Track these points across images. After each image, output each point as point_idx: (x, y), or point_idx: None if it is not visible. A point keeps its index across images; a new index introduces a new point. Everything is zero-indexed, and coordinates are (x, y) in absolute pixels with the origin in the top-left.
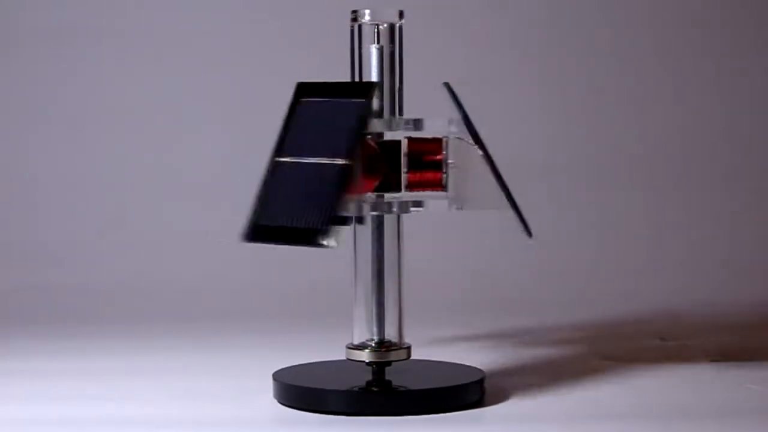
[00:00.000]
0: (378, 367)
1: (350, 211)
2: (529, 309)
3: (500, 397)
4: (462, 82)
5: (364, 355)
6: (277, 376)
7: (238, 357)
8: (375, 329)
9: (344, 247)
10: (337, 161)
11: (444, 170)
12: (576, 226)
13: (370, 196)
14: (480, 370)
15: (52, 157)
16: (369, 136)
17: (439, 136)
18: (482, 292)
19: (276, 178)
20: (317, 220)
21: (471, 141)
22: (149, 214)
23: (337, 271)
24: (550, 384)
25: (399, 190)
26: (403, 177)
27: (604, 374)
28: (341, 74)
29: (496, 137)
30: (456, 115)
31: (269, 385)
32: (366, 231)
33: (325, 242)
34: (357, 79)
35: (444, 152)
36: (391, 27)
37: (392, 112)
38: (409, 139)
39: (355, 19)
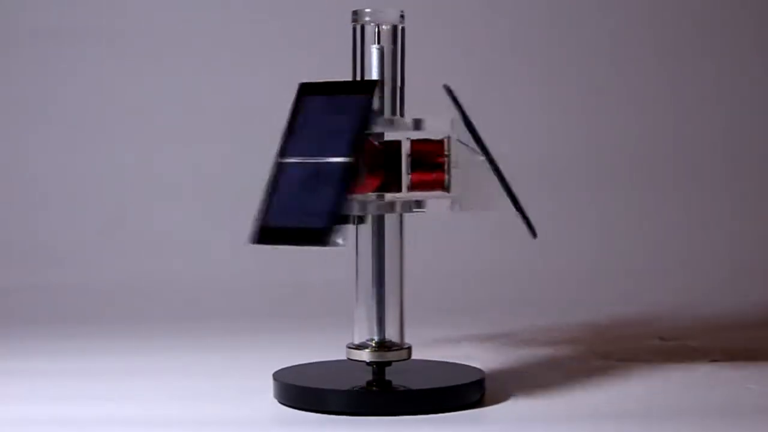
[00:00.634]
0: (378, 367)
1: (354, 209)
2: (529, 309)
3: (500, 397)
4: (462, 82)
5: (365, 355)
6: (277, 376)
7: (238, 357)
8: (375, 329)
9: (347, 245)
10: (340, 159)
11: (446, 171)
12: (576, 226)
13: (371, 195)
14: (480, 370)
15: (52, 157)
16: (371, 135)
17: (441, 137)
18: (482, 292)
19: (281, 179)
20: (322, 219)
21: (472, 143)
22: (149, 214)
23: (337, 271)
24: (550, 384)
25: (400, 190)
26: (405, 178)
27: (604, 374)
28: (342, 75)
29: (496, 137)
30: (457, 116)
31: (269, 385)
32: (367, 231)
33: (330, 241)
34: (353, 80)
35: (446, 153)
36: (393, 27)
37: (393, 112)
38: (412, 139)
39: (356, 20)
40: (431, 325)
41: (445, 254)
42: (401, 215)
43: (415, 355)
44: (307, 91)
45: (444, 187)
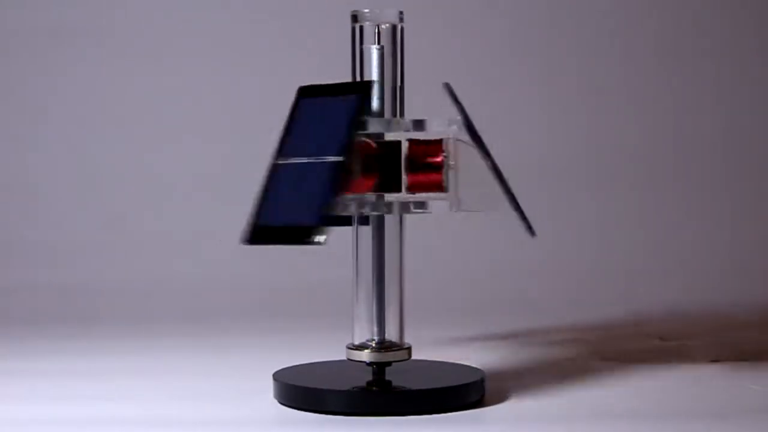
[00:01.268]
0: (378, 368)
1: (344, 209)
2: (529, 309)
3: (500, 397)
4: (462, 82)
5: (365, 356)
6: (277, 376)
7: (238, 357)
8: (375, 329)
9: (336, 246)
10: (329, 159)
11: (444, 172)
12: (576, 226)
13: (370, 196)
14: (480, 370)
15: (52, 157)
16: (367, 136)
17: (439, 137)
18: (482, 292)
19: (274, 179)
20: (308, 218)
21: (471, 142)
22: (149, 213)
23: (337, 271)
24: (550, 384)
25: (399, 190)
26: (404, 178)
27: (604, 374)
28: (342, 75)
29: (496, 137)
30: (457, 116)
31: (269, 385)
32: (367, 231)
33: (316, 240)
34: (358, 80)
35: (444, 154)
36: (392, 27)
37: (393, 113)
38: (410, 140)
39: (355, 20)
40: (431, 325)
41: (445, 254)
42: (401, 216)
43: (415, 355)
44: (305, 93)
45: (441, 188)
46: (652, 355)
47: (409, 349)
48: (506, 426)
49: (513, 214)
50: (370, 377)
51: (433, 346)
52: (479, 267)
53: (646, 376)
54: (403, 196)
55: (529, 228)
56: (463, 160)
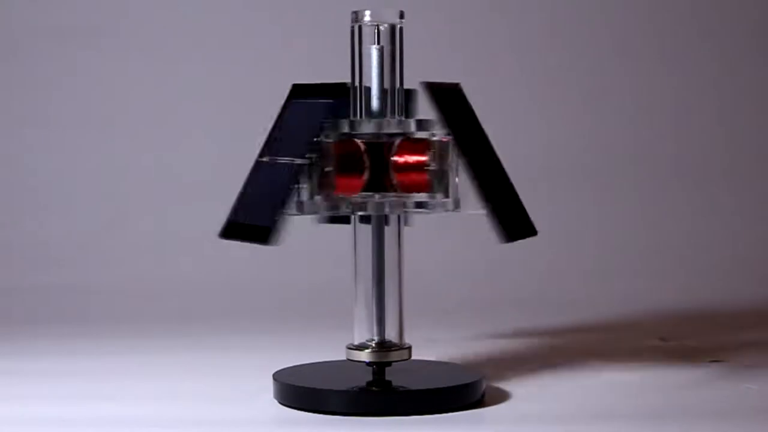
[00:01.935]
0: (378, 368)
1: (343, 209)
2: (529, 309)
3: (500, 397)
4: (462, 82)
5: (365, 356)
6: (277, 376)
7: (238, 357)
8: (375, 329)
9: (329, 244)
10: (296, 160)
11: (430, 172)
12: (576, 226)
13: (356, 196)
14: (480, 370)
15: (52, 157)
16: (350, 136)
17: (426, 137)
18: (482, 292)
19: (253, 176)
20: (268, 218)
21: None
22: (149, 214)
23: (337, 271)
24: (550, 384)
25: (388, 190)
26: (390, 178)
27: (604, 374)
28: (342, 75)
29: (496, 137)
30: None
31: (269, 385)
32: (367, 231)
33: (271, 240)
34: (357, 80)
35: (430, 154)
36: (392, 27)
37: (384, 113)
38: (398, 140)
39: (355, 20)
40: (431, 325)
41: (444, 254)
42: (399, 216)
43: (415, 355)
44: (295, 92)
45: (428, 188)
46: (652, 355)
47: (409, 349)
48: (506, 426)
49: (485, 216)
50: (370, 377)
51: (433, 347)
52: (479, 267)
53: (646, 376)
54: (390, 195)
55: (504, 232)
56: (451, 160)
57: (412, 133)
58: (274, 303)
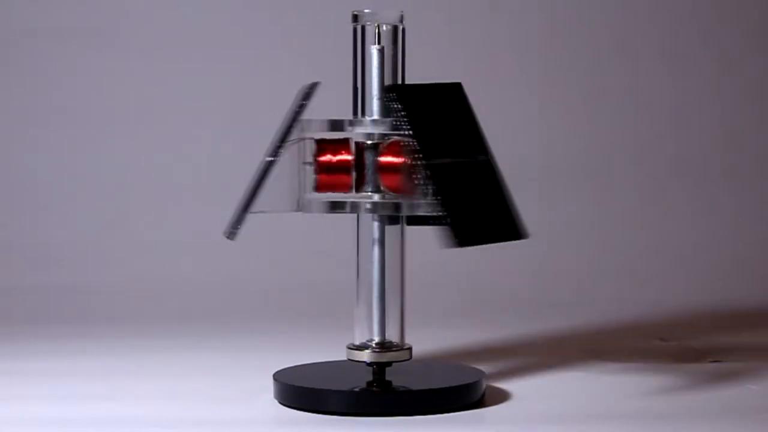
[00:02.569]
0: (378, 368)
1: (275, 207)
2: (529, 309)
3: (500, 397)
4: (462, 82)
5: (365, 356)
6: (277, 376)
7: (238, 357)
8: (376, 329)
9: (329, 244)
10: (267, 158)
11: (350, 173)
12: (575, 227)
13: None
14: (480, 370)
15: (52, 157)
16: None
17: (346, 137)
18: (482, 292)
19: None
20: (235, 214)
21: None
22: (149, 214)
23: (338, 272)
24: (550, 384)
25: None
26: (311, 178)
27: (604, 374)
28: (342, 75)
29: (495, 137)
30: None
31: (269, 385)
32: (368, 231)
33: (229, 235)
34: (359, 81)
35: (351, 154)
36: (393, 28)
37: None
38: (317, 140)
39: (356, 20)
40: (432, 326)
41: (445, 254)
42: (402, 216)
43: (416, 355)
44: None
45: (348, 188)
46: (652, 355)
47: (409, 349)
48: (506, 426)
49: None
50: (370, 377)
51: (434, 347)
52: (479, 267)
53: (646, 376)
54: (315, 195)
55: (454, 235)
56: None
57: (337, 134)
58: (274, 303)
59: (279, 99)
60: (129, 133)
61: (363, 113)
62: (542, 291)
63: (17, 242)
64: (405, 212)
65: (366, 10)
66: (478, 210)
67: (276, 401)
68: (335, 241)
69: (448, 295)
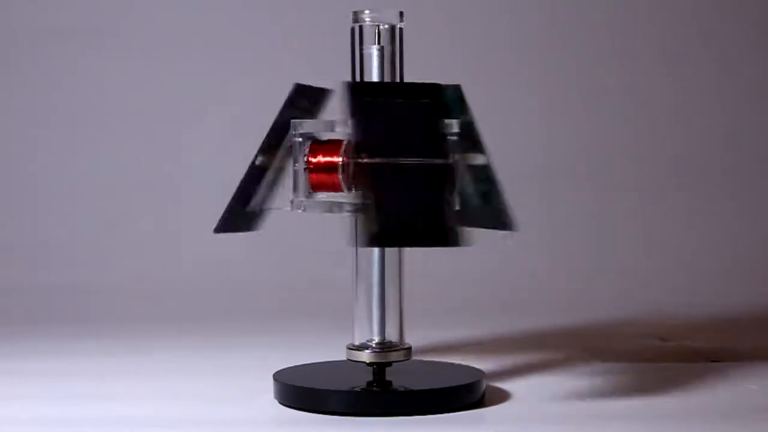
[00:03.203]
0: (378, 368)
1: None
2: (529, 309)
3: (500, 397)
4: (462, 82)
5: (365, 356)
6: (278, 376)
7: (238, 357)
8: (376, 329)
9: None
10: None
11: (341, 173)
12: (575, 227)
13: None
14: (480, 370)
15: (52, 157)
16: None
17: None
18: (482, 292)
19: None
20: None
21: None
22: (149, 214)
23: (337, 272)
24: (550, 384)
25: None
26: (304, 178)
27: (604, 374)
28: (343, 75)
29: (495, 137)
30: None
31: (269, 385)
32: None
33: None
34: (358, 80)
35: (342, 154)
36: (392, 28)
37: None
38: (312, 141)
39: (355, 20)
40: (431, 326)
41: (445, 254)
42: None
43: (416, 355)
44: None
45: (340, 188)
46: (652, 355)
47: (409, 349)
48: (506, 426)
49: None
50: (370, 377)
51: (434, 347)
52: (479, 267)
53: (646, 376)
54: (309, 196)
55: (366, 230)
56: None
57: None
58: (274, 303)
59: (279, 99)
60: (129, 133)
61: None
62: (542, 291)
63: (17, 242)
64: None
65: (365, 10)
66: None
67: (276, 401)
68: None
69: (448, 295)
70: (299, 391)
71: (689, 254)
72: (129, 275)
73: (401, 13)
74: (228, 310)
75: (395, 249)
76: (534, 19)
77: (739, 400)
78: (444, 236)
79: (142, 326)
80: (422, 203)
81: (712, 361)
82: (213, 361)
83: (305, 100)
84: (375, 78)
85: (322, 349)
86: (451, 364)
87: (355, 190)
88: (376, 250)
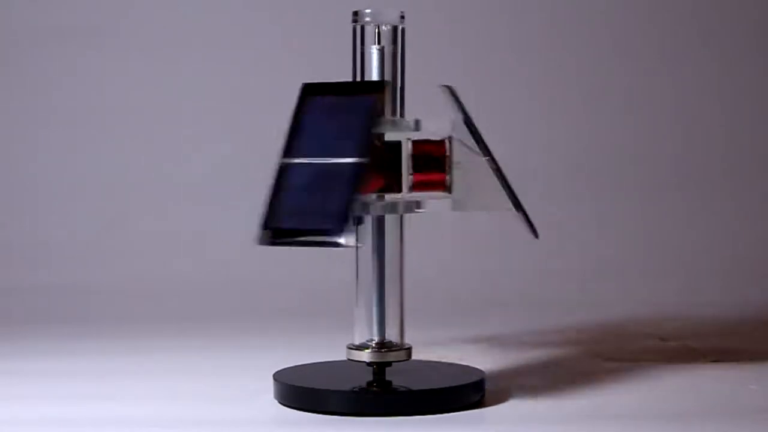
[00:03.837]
0: (378, 368)
1: (360, 210)
2: (530, 309)
3: (500, 397)
4: (462, 82)
5: (365, 356)
6: (278, 376)
7: (238, 357)
8: (376, 329)
9: (363, 244)
10: (350, 160)
11: (447, 172)
12: (576, 227)
13: (373, 196)
14: (480, 370)
15: (52, 157)
16: (377, 136)
17: (441, 137)
18: (483, 292)
19: (287, 179)
20: (335, 220)
21: (473, 143)
22: (149, 213)
23: (337, 272)
24: (550, 384)
25: (400, 190)
26: (408, 178)
27: (604, 375)
28: (342, 75)
29: (495, 138)
30: (458, 116)
31: (269, 385)
32: (368, 231)
33: (343, 241)
34: (359, 80)
35: (446, 154)
36: (393, 28)
37: (394, 113)
38: (413, 140)
39: (356, 20)
40: (431, 326)
41: (445, 254)
42: (401, 216)
43: (416, 355)
44: (310, 91)
45: (445, 187)
46: (652, 355)
47: (409, 349)
48: (506, 426)
49: (514, 215)
50: (370, 377)
51: (434, 347)
52: (479, 267)
53: (646, 376)
54: (405, 195)
55: (533, 229)
56: (465, 159)
57: (425, 133)
58: (274, 303)
59: (279, 99)
60: (129, 133)
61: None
62: (542, 291)
63: (17, 242)
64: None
65: (366, 10)
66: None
67: (276, 401)
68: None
69: (449, 295)
70: (299, 391)
71: (689, 254)
72: (129, 275)
73: (402, 14)
74: (228, 310)
75: (395, 248)
76: (534, 19)
77: (739, 400)
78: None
79: (142, 326)
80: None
81: (712, 361)
82: (213, 361)
83: None
84: (375, 78)
85: (322, 349)
86: (451, 364)
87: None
88: (375, 250)
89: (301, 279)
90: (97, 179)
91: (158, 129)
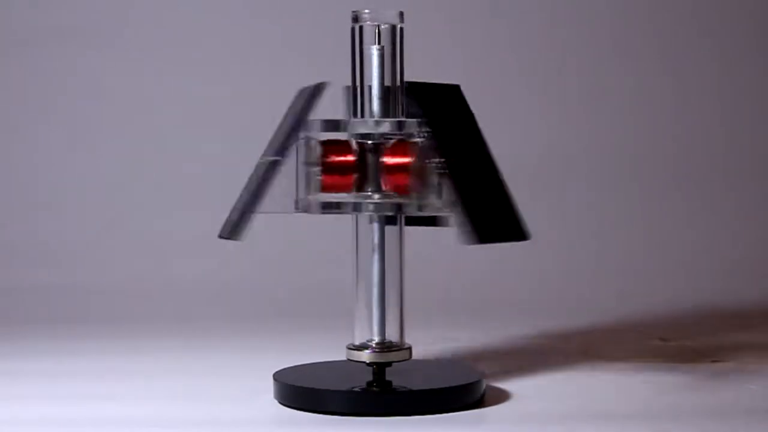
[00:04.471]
0: (378, 368)
1: (274, 208)
2: (530, 309)
3: (500, 397)
4: (462, 82)
5: (365, 356)
6: (278, 376)
7: (238, 357)
8: (376, 329)
9: (243, 241)
10: (269, 158)
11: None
12: (576, 227)
13: (350, 195)
14: (480, 370)
15: (52, 157)
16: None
17: (409, 139)
18: (482, 293)
19: (251, 176)
20: (236, 214)
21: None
22: (149, 214)
23: (337, 272)
24: (550, 384)
25: (377, 191)
26: (316, 179)
27: (604, 374)
28: (342, 75)
29: (495, 138)
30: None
31: (269, 385)
32: (367, 231)
33: (235, 237)
34: (358, 81)
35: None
36: (392, 28)
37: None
38: (321, 141)
39: (356, 20)
40: (431, 326)
41: (445, 254)
42: (400, 216)
43: (416, 355)
44: (300, 93)
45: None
46: (652, 355)
47: (409, 349)
48: (506, 426)
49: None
50: (370, 377)
51: (434, 347)
52: (479, 267)
53: (646, 376)
54: (379, 196)
55: (474, 232)
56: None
57: (407, 134)
58: (274, 303)
59: (279, 99)
60: (129, 133)
61: (362, 113)
62: (542, 291)
63: (17, 242)
64: (410, 212)
65: (366, 10)
66: (490, 209)
67: (276, 401)
68: (336, 240)
69: (448, 295)
70: (299, 391)
71: (689, 254)
72: (129, 275)
73: (401, 13)
74: (228, 310)
75: (395, 248)
76: (534, 19)
77: (739, 400)
78: (521, 231)
79: (142, 326)
80: (497, 199)
81: (713, 361)
82: (213, 361)
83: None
84: (375, 78)
85: (322, 349)
86: (452, 364)
87: (437, 193)
88: (375, 250)
89: (301, 279)
90: (97, 179)
91: (158, 129)
